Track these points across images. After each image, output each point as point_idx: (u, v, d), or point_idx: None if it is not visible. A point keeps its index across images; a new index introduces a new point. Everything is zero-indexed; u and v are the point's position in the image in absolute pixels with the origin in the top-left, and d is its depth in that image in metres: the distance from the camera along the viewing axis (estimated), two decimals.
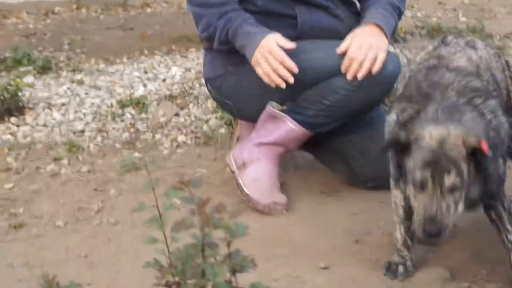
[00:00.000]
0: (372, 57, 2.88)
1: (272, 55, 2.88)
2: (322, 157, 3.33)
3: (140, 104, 4.23)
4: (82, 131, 3.92)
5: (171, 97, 4.35)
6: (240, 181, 3.08)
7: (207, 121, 3.98)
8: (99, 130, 3.95)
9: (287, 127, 3.03)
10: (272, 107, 3.05)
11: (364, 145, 3.16)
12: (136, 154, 3.61)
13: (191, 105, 4.22)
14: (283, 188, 3.18)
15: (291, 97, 3.04)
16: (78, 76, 4.76)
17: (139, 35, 5.94)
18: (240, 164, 3.10)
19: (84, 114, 4.15)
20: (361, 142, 3.18)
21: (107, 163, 3.56)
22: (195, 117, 4.08)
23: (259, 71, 2.92)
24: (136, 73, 4.87)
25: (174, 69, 4.93)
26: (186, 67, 4.93)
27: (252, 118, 3.19)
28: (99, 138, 3.85)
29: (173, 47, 5.55)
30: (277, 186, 3.09)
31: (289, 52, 2.91)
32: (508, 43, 5.29)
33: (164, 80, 4.72)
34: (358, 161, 3.19)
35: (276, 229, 2.86)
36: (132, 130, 3.94)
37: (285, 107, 3.06)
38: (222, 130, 3.78)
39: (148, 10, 7.10)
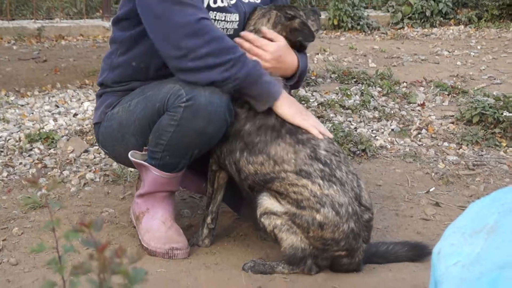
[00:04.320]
0: None
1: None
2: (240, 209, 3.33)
3: (49, 139, 4.18)
4: None
5: (81, 133, 4.32)
6: (139, 234, 3.05)
7: None
8: (6, 165, 3.88)
9: (152, 175, 2.97)
10: (132, 156, 2.99)
11: None
12: (43, 191, 3.55)
13: None
14: (190, 231, 3.19)
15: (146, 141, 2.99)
16: None
17: (52, 68, 5.88)
18: (136, 217, 3.09)
19: None
20: None
21: (11, 200, 3.49)
22: None
23: (306, 124, 2.84)
24: (47, 107, 4.82)
25: (86, 104, 4.90)
26: None
27: (129, 164, 3.13)
28: (4, 173, 3.78)
29: (86, 81, 5.52)
30: (175, 230, 3.01)
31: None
32: (414, 90, 5.49)
33: (75, 115, 4.68)
34: None
35: (179, 273, 2.84)
36: (39, 165, 3.89)
37: (145, 153, 2.99)
38: (132, 169, 3.76)
39: (63, 42, 7.05)
